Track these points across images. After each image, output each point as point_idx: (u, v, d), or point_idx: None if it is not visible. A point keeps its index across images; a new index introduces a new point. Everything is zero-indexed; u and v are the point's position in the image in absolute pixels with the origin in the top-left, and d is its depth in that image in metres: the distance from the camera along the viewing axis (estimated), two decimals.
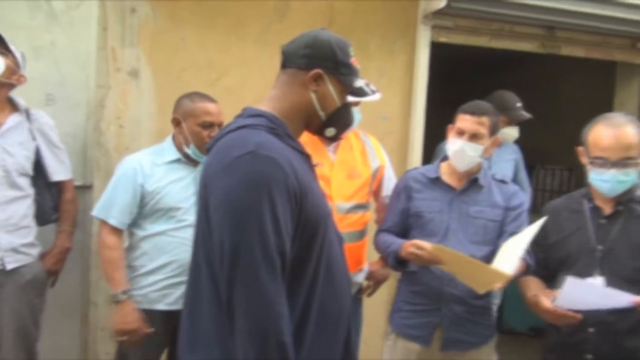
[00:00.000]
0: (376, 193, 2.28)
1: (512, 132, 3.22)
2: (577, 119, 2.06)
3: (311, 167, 1.35)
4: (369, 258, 2.29)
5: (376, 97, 2.08)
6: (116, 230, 2.04)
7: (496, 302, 3.36)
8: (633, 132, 1.70)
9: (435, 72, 3.39)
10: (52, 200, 2.31)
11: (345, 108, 1.38)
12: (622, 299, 1.59)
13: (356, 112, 2.06)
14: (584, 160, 1.81)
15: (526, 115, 3.18)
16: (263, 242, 1.11)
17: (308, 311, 1.22)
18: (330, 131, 1.38)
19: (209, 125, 2.01)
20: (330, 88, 1.32)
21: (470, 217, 1.95)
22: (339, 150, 2.11)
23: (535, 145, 4.50)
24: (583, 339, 1.74)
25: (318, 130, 1.38)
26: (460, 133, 1.93)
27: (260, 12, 2.82)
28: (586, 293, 1.64)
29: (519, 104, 3.18)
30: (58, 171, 2.31)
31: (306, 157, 1.34)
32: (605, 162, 1.72)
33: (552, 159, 5.10)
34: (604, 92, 3.90)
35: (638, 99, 3.64)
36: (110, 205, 2.04)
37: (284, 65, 1.33)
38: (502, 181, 2.05)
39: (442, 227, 1.95)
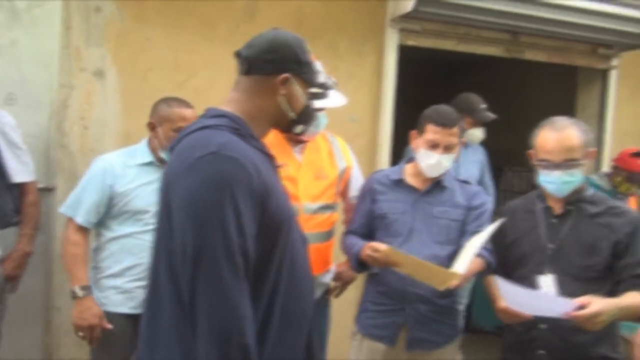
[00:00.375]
0: (344, 194, 2.29)
1: (477, 134, 3.28)
2: (542, 122, 2.12)
3: (275, 168, 1.36)
4: (336, 259, 2.30)
5: (341, 101, 2.11)
6: (82, 229, 2.06)
7: (464, 301, 3.42)
8: (576, 134, 1.77)
9: (404, 74, 3.44)
10: (13, 202, 2.26)
11: (311, 104, 1.40)
12: (558, 304, 1.63)
13: (322, 117, 2.07)
14: (534, 162, 1.87)
15: (491, 116, 3.25)
16: (226, 242, 1.11)
17: (271, 312, 1.22)
18: (299, 128, 1.40)
19: None
20: (297, 88, 1.33)
21: (433, 218, 1.98)
22: (305, 151, 2.11)
23: (503, 147, 4.60)
24: (535, 335, 1.80)
25: (287, 128, 1.40)
26: (434, 146, 1.93)
27: (229, 13, 2.81)
28: (524, 296, 1.68)
29: (483, 106, 3.25)
30: (20, 172, 2.26)
31: (270, 158, 1.34)
32: (549, 164, 1.78)
33: (519, 161, 5.21)
34: (567, 96, 4.01)
35: (598, 103, 3.75)
36: (78, 203, 2.06)
37: (247, 71, 1.32)
38: (465, 181, 2.09)
39: (406, 227, 1.97)
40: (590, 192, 1.89)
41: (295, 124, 1.38)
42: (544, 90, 4.49)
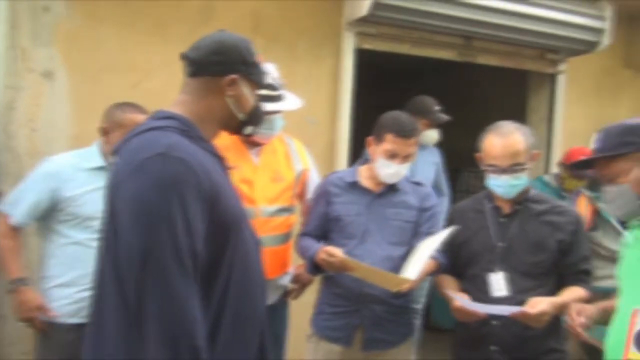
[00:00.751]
0: (301, 196, 2.30)
1: (433, 135, 3.34)
2: (488, 127, 2.18)
3: (226, 169, 1.36)
4: (295, 261, 2.31)
5: (296, 105, 2.12)
6: (16, 226, 2.05)
7: (422, 300, 3.48)
8: (520, 140, 1.85)
9: (363, 77, 3.48)
10: None
11: (259, 105, 1.41)
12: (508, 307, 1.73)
13: (278, 119, 2.07)
14: (482, 166, 1.94)
15: (444, 117, 3.32)
16: (174, 243, 1.10)
17: (222, 313, 1.22)
18: (248, 129, 1.41)
19: None
20: (245, 89, 1.34)
21: (387, 219, 2.00)
22: (262, 154, 2.11)
23: (459, 148, 4.70)
24: (488, 331, 1.86)
25: (236, 130, 1.40)
26: (393, 156, 1.95)
27: (184, 14, 2.78)
28: (476, 306, 1.77)
29: (437, 107, 3.31)
30: None
31: (220, 159, 1.34)
32: (497, 169, 1.86)
33: (475, 162, 5.34)
34: (519, 99, 4.14)
35: (548, 106, 3.89)
36: (17, 202, 2.04)
37: (194, 73, 1.31)
38: (417, 183, 2.13)
39: (360, 229, 1.99)
40: (534, 192, 1.98)
41: (245, 125, 1.39)
42: (498, 93, 4.63)
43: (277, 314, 2.18)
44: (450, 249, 1.98)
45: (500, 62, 3.60)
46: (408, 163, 1.99)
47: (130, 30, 2.69)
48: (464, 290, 1.93)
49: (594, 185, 3.64)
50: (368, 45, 3.18)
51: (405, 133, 1.93)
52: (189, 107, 1.30)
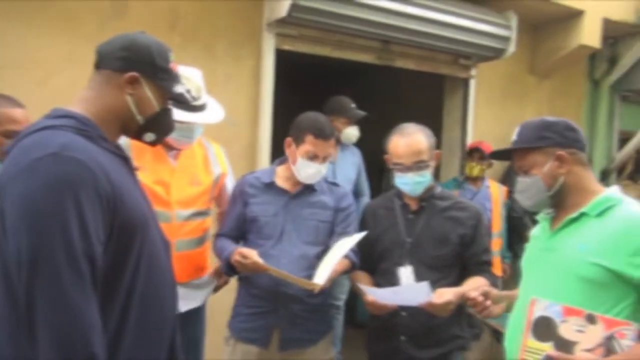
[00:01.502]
0: (219, 199, 2.28)
1: (353, 132, 3.40)
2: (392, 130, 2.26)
3: (131, 170, 1.33)
4: (212, 264, 2.27)
5: (216, 118, 2.09)
6: None
7: (343, 297, 3.54)
8: (422, 139, 1.97)
9: (287, 79, 3.48)
10: None
11: (165, 113, 1.37)
12: (416, 294, 1.81)
13: (197, 129, 2.04)
14: (390, 166, 2.03)
15: (361, 113, 3.40)
16: (68, 248, 1.06)
17: (125, 319, 1.19)
18: (149, 136, 1.37)
19: (13, 135, 1.80)
20: (148, 92, 1.31)
21: (303, 219, 2.03)
22: (180, 157, 2.08)
23: (383, 149, 4.80)
24: (397, 322, 1.96)
25: (136, 134, 1.36)
26: (313, 157, 1.98)
27: (96, 9, 2.67)
28: (388, 292, 1.85)
29: (353, 105, 3.39)
30: None
31: (125, 160, 1.31)
32: (402, 167, 1.97)
33: None
34: (436, 102, 4.32)
35: (461, 109, 4.09)
36: None
37: (98, 66, 1.29)
38: (334, 183, 2.17)
39: (277, 230, 2.00)
40: (439, 189, 2.10)
41: (144, 130, 1.35)
42: (417, 96, 4.81)
43: (194, 317, 2.14)
44: (364, 245, 2.04)
45: (417, 66, 3.74)
46: (327, 164, 2.04)
47: (36, 25, 2.54)
48: (377, 284, 2.01)
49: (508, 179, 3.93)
50: (288, 47, 3.20)
51: (325, 134, 1.98)
52: (90, 104, 1.26)
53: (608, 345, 1.41)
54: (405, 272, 1.94)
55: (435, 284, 1.88)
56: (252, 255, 1.83)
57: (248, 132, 3.18)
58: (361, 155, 3.64)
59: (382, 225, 2.07)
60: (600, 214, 1.54)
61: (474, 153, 3.66)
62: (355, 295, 4.18)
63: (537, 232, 1.76)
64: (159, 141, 1.41)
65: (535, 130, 1.62)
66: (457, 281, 1.98)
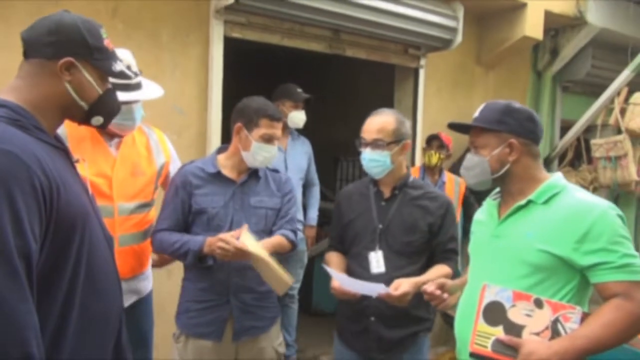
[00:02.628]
0: (166, 187, 2.20)
1: (299, 116, 3.40)
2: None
3: (70, 162, 1.26)
4: None
5: (156, 94, 2.02)
6: None
7: (297, 285, 3.56)
8: (390, 121, 2.01)
9: (235, 67, 3.40)
10: None
11: (109, 94, 1.31)
12: (374, 288, 1.85)
13: (137, 110, 1.96)
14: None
15: (305, 95, 3.41)
16: (1, 245, 1.00)
17: (67, 316, 1.15)
18: (96, 120, 1.31)
19: None
20: (87, 76, 1.24)
21: (251, 208, 2.01)
22: (121, 146, 1.98)
23: (339, 138, 4.83)
24: (367, 304, 2.00)
25: (82, 120, 1.30)
26: (269, 139, 1.98)
27: None
28: (348, 281, 1.88)
29: (299, 90, 3.42)
30: None
31: (63, 151, 1.24)
32: (363, 142, 2.02)
33: (354, 151, 5.54)
34: (389, 91, 4.35)
35: (412, 98, 4.13)
36: None
37: (27, 54, 1.21)
38: (275, 170, 2.16)
39: (227, 220, 1.97)
40: (412, 179, 2.13)
41: (91, 115, 1.29)
42: (372, 86, 4.82)
43: (140, 310, 2.07)
44: (338, 228, 2.11)
45: (367, 55, 3.74)
46: (277, 145, 2.05)
47: None
48: (349, 266, 2.06)
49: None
50: (237, 34, 3.12)
51: (278, 116, 2.02)
52: (23, 94, 1.18)
53: (554, 328, 1.46)
54: (376, 257, 1.98)
55: (404, 269, 1.94)
56: (234, 241, 1.80)
57: (198, 121, 3.10)
58: (311, 145, 3.64)
59: (355, 210, 2.10)
60: (547, 202, 1.59)
61: (433, 142, 3.72)
62: (309, 285, 4.19)
63: (483, 218, 1.79)
64: (106, 124, 1.35)
65: (497, 113, 1.64)
66: (425, 268, 2.04)
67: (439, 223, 2.04)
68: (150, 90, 1.98)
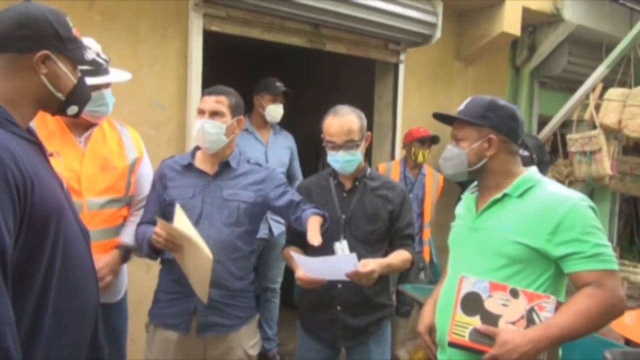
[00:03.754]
0: (135, 185, 2.18)
1: (277, 109, 3.38)
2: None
3: (44, 156, 1.25)
4: None
5: (124, 76, 2.00)
6: None
7: (279, 280, 3.56)
8: (354, 120, 2.06)
9: (215, 60, 3.38)
10: None
11: (82, 83, 1.31)
12: (342, 265, 1.84)
13: (108, 95, 1.94)
14: (324, 144, 2.09)
15: (283, 88, 3.40)
16: None
17: (42, 310, 1.15)
18: (72, 109, 1.31)
19: None
20: (62, 67, 1.24)
21: (224, 200, 1.99)
22: (90, 141, 1.95)
23: (319, 133, 4.77)
24: (334, 294, 2.06)
25: (58, 110, 1.30)
26: (202, 112, 1.98)
27: None
28: (315, 264, 1.87)
29: (278, 84, 3.41)
30: None
31: (37, 145, 1.23)
32: (334, 146, 2.04)
33: None
34: (370, 86, 4.36)
35: (392, 93, 4.15)
36: None
37: None
38: (257, 164, 2.14)
39: (196, 212, 1.96)
40: (369, 170, 2.18)
41: (67, 105, 1.28)
42: (354, 81, 4.82)
43: (114, 306, 2.05)
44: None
45: (347, 50, 3.75)
46: (217, 123, 1.96)
47: None
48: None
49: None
50: (216, 28, 3.10)
51: (215, 91, 2.00)
52: None
53: (529, 317, 1.50)
54: (341, 247, 2.00)
55: (367, 257, 1.95)
56: (167, 229, 1.77)
57: (177, 115, 3.07)
58: (294, 140, 3.63)
59: (317, 202, 2.12)
60: (522, 195, 1.63)
61: (426, 141, 3.74)
62: (291, 279, 4.19)
63: (462, 211, 1.82)
64: (80, 112, 1.35)
65: (481, 107, 1.67)
66: (386, 255, 2.10)
67: (397, 210, 2.12)
68: (119, 73, 1.96)
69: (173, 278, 1.97)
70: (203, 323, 1.95)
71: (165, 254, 1.94)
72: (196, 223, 1.91)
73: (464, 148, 1.67)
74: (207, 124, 1.94)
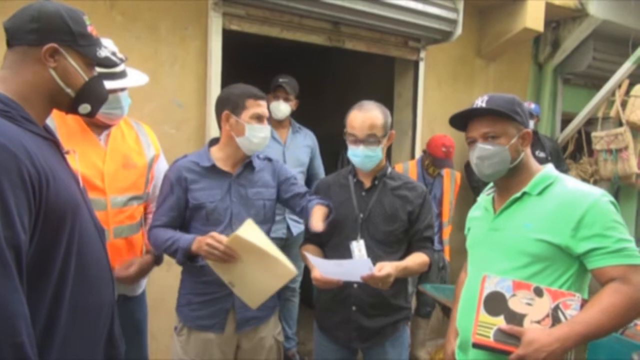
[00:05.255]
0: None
1: (278, 106, 3.34)
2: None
3: (60, 153, 1.26)
4: None
5: (141, 81, 2.00)
6: None
7: (298, 278, 3.55)
8: (378, 115, 2.02)
9: (235, 59, 3.39)
10: None
11: (95, 81, 1.31)
12: (358, 268, 1.82)
13: (124, 98, 1.94)
14: (345, 136, 2.07)
15: (278, 83, 3.36)
16: None
17: (58, 307, 1.15)
18: (84, 108, 1.31)
19: None
20: (72, 62, 1.24)
21: (249, 199, 2.00)
22: (110, 139, 1.96)
23: (339, 132, 4.75)
24: (349, 293, 2.03)
25: (70, 108, 1.30)
26: (259, 118, 1.97)
27: None
28: (331, 266, 1.86)
29: (281, 79, 3.38)
30: None
31: (53, 143, 1.24)
32: (356, 139, 2.01)
33: None
34: (390, 84, 4.33)
35: (412, 91, 4.12)
36: None
37: (10, 43, 1.21)
38: (268, 159, 2.15)
39: (227, 214, 1.95)
40: (390, 169, 2.15)
41: (78, 102, 1.28)
42: (373, 79, 4.79)
43: (136, 300, 2.08)
44: None
45: (367, 48, 3.72)
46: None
47: None
48: (329, 257, 2.03)
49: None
50: (236, 27, 3.11)
51: (261, 95, 2.00)
52: (9, 84, 1.17)
53: (554, 316, 1.46)
54: (358, 246, 1.99)
55: (385, 258, 1.93)
56: (224, 238, 1.75)
57: (196, 114, 3.09)
58: (315, 138, 3.61)
59: (335, 200, 2.10)
60: (541, 193, 1.60)
61: (444, 167, 3.63)
62: (310, 278, 4.18)
63: (478, 213, 1.80)
64: (94, 112, 1.34)
65: (510, 103, 1.63)
66: (404, 256, 2.06)
67: (417, 212, 2.08)
68: (135, 77, 1.97)
69: (205, 280, 1.94)
70: (242, 319, 1.98)
71: (200, 260, 1.89)
72: (228, 225, 1.91)
73: (503, 144, 1.61)
74: (267, 129, 2.00)
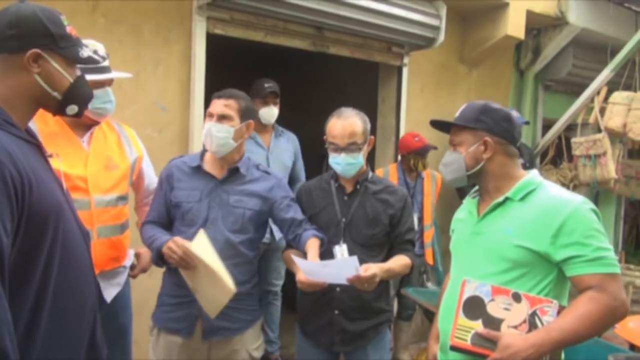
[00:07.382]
0: (137, 184, 2.20)
1: (269, 112, 3.31)
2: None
3: (43, 156, 1.25)
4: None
5: (123, 74, 2.00)
6: None
7: (279, 282, 3.54)
8: (358, 123, 2.04)
9: (218, 63, 3.38)
10: None
11: (80, 81, 1.30)
12: (344, 269, 1.83)
13: (110, 94, 1.94)
14: (327, 146, 2.08)
15: (271, 88, 3.32)
16: None
17: (39, 310, 1.14)
18: (71, 109, 1.30)
19: None
20: (55, 65, 1.23)
21: (230, 206, 1.97)
22: (93, 141, 1.96)
23: (324, 136, 4.73)
24: (332, 297, 2.04)
25: (57, 110, 1.29)
26: (210, 115, 1.95)
27: None
28: (317, 267, 1.86)
29: (267, 85, 3.31)
30: None
31: (35, 146, 1.23)
32: (336, 148, 2.03)
33: None
34: (374, 89, 4.35)
35: (395, 96, 4.15)
36: None
37: None
38: (266, 171, 2.11)
39: (201, 216, 1.94)
40: (371, 174, 2.17)
41: (65, 104, 1.28)
42: (357, 84, 4.82)
43: (118, 304, 2.06)
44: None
45: (351, 53, 3.75)
46: (226, 127, 1.93)
47: None
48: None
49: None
50: (220, 31, 3.11)
51: (225, 94, 1.97)
52: None
53: (531, 321, 1.49)
54: (341, 250, 2.00)
55: (367, 262, 1.93)
56: (184, 247, 1.76)
57: (180, 118, 3.08)
58: (298, 141, 3.61)
59: (317, 205, 2.12)
60: (523, 198, 1.62)
61: (427, 153, 3.68)
62: (292, 281, 4.17)
63: (462, 216, 1.82)
64: (81, 112, 1.34)
65: (475, 112, 1.69)
66: (386, 259, 2.08)
67: (398, 215, 2.10)
68: (119, 72, 1.98)
69: (177, 282, 1.94)
70: (209, 327, 1.94)
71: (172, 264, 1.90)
72: (201, 227, 1.90)
73: (460, 152, 1.69)
74: (215, 127, 1.91)
